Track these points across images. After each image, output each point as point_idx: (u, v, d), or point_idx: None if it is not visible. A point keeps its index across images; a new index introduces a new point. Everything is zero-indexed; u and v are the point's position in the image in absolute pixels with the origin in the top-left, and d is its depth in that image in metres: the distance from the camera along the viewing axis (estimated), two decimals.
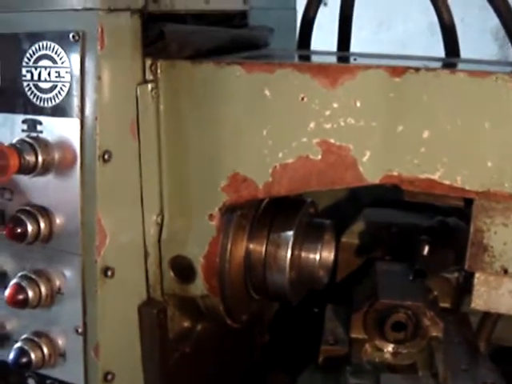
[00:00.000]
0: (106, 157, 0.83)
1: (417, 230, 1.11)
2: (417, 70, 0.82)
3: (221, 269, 0.94)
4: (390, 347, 0.99)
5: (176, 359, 0.99)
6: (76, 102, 0.82)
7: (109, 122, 0.84)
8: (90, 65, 0.81)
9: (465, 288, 1.08)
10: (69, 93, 0.82)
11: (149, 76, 0.89)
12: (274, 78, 0.86)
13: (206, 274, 0.93)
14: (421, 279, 1.03)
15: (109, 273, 0.86)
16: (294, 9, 1.36)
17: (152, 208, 0.93)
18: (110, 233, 0.85)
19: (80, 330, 0.86)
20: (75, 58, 0.81)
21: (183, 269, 0.94)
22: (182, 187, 0.93)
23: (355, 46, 1.34)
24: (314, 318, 1.18)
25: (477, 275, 0.86)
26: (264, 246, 0.99)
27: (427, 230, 1.09)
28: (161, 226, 0.94)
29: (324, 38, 1.39)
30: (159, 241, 0.94)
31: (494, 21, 1.16)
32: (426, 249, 1.04)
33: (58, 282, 0.87)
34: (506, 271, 0.84)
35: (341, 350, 1.00)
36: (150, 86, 0.89)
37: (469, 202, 0.85)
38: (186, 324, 1.02)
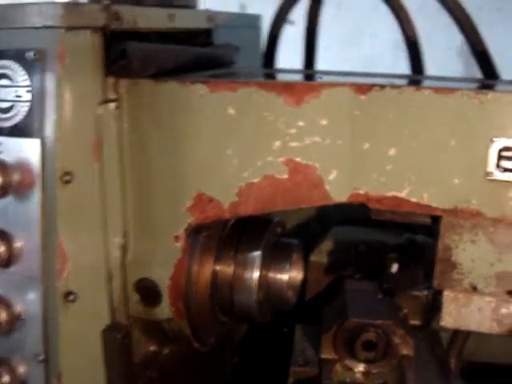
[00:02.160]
0: (66, 178, 0.81)
1: (385, 248, 1.10)
2: (382, 87, 0.81)
3: (187, 291, 0.92)
4: (360, 367, 0.98)
5: None
6: (36, 122, 0.80)
7: (70, 143, 0.82)
8: (50, 84, 0.79)
9: (434, 305, 1.07)
10: (28, 113, 0.80)
11: (111, 95, 0.88)
12: (238, 96, 0.84)
13: (171, 297, 0.91)
14: (390, 297, 1.02)
15: (71, 297, 0.83)
16: (259, 27, 1.36)
17: (116, 230, 0.91)
18: (72, 256, 0.83)
19: (41, 358, 0.84)
20: (35, 76, 0.79)
21: (149, 292, 0.92)
22: (147, 208, 0.91)
23: (324, 65, 1.34)
24: (283, 337, 1.16)
25: (445, 293, 0.86)
26: (231, 267, 0.97)
27: (396, 248, 1.09)
28: (125, 248, 0.92)
29: (291, 56, 1.38)
30: (124, 264, 0.92)
31: (459, 38, 1.17)
32: (395, 267, 1.03)
33: (18, 308, 0.84)
34: (474, 288, 0.84)
35: (311, 371, 0.99)
36: (112, 105, 0.88)
37: (436, 219, 0.85)
38: (153, 348, 1.00)
